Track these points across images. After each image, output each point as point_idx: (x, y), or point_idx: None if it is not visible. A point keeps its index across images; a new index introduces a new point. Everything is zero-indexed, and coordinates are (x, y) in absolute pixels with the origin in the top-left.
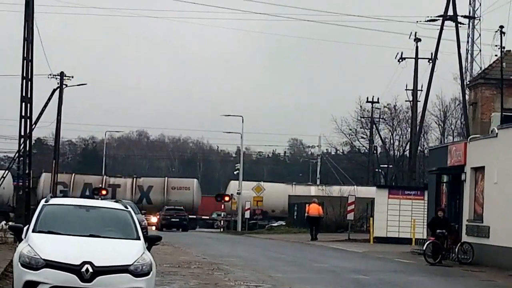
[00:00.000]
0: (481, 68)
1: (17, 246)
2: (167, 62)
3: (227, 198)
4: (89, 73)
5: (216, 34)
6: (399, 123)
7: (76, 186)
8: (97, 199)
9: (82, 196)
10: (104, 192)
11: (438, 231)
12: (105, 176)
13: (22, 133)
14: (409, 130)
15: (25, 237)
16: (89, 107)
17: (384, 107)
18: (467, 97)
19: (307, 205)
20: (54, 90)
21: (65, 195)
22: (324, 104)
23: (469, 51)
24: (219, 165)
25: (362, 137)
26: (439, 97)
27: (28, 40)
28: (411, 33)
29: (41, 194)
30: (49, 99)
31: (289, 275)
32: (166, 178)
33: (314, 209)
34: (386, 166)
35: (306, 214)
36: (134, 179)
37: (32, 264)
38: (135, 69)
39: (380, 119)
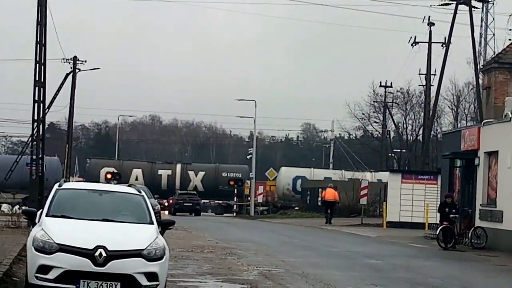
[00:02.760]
0: (494, 52)
1: (30, 231)
2: (183, 47)
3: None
4: (102, 58)
5: (232, 21)
6: (412, 108)
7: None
8: (112, 183)
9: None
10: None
11: (451, 215)
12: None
13: (35, 118)
14: (422, 114)
15: (38, 221)
16: (102, 91)
17: (397, 91)
18: (480, 81)
19: (321, 189)
20: (67, 75)
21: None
22: (337, 88)
23: (483, 35)
24: (232, 150)
25: (375, 122)
26: (452, 81)
27: (41, 24)
28: (424, 17)
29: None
30: (62, 83)
31: (302, 259)
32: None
33: (330, 194)
34: (399, 150)
35: (322, 199)
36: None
37: (46, 248)
38: (149, 53)
39: (393, 104)
